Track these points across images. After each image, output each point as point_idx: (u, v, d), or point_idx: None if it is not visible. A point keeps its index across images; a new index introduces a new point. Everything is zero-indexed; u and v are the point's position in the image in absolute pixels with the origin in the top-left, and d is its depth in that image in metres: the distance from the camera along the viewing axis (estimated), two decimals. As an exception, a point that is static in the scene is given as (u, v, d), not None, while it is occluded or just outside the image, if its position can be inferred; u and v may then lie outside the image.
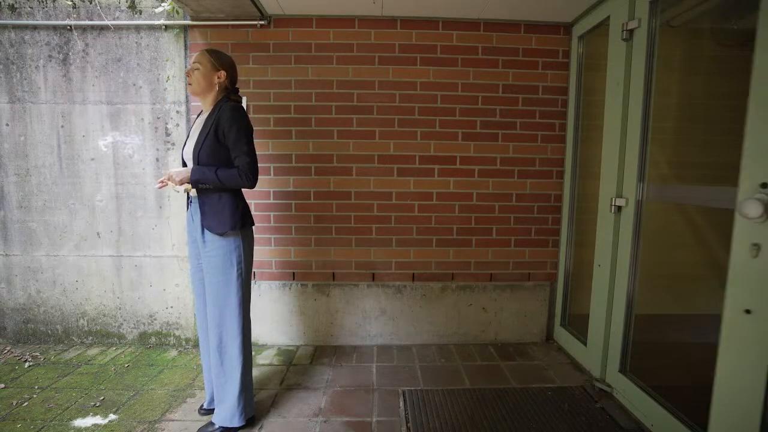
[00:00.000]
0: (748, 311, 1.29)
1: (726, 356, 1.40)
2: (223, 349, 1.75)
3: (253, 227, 1.89)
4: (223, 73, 1.74)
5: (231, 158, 1.71)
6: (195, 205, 1.73)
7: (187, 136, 1.81)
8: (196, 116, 1.85)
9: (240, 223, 1.73)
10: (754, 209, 1.17)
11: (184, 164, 1.79)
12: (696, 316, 2.01)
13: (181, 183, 1.67)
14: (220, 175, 1.65)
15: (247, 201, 1.90)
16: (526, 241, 2.72)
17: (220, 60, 1.75)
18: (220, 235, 1.69)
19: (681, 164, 2.02)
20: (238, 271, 1.73)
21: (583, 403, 2.03)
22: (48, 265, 2.67)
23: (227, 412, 1.76)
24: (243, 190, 1.83)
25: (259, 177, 1.99)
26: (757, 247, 1.24)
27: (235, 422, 1.77)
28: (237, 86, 1.85)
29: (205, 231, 1.71)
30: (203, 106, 1.77)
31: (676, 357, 2.05)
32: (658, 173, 1.95)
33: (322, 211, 2.64)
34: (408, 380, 2.28)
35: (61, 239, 2.65)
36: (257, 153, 1.98)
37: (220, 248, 1.70)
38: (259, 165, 1.78)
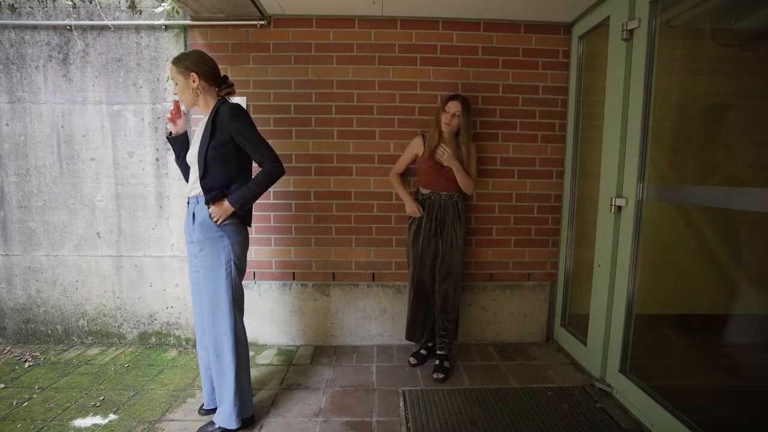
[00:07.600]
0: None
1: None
2: (220, 349, 1.74)
3: (249, 228, 1.84)
4: (194, 75, 1.67)
5: (235, 157, 1.70)
6: (193, 205, 1.72)
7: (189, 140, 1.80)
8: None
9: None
10: None
11: (187, 167, 1.79)
12: (696, 316, 2.00)
13: (228, 217, 1.67)
14: (255, 185, 1.67)
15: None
16: (526, 241, 2.72)
17: (185, 63, 1.67)
18: (211, 200, 1.65)
19: (681, 164, 2.01)
20: (227, 270, 1.70)
21: (583, 403, 2.03)
22: (48, 265, 2.67)
23: (225, 413, 1.76)
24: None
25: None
26: None
27: (232, 424, 1.75)
28: (224, 75, 1.76)
29: (196, 230, 1.69)
30: (203, 113, 1.75)
31: (675, 357, 2.05)
32: (658, 173, 1.95)
33: (322, 211, 2.64)
34: (408, 380, 2.28)
35: (61, 239, 2.65)
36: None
37: (208, 246, 1.69)
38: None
